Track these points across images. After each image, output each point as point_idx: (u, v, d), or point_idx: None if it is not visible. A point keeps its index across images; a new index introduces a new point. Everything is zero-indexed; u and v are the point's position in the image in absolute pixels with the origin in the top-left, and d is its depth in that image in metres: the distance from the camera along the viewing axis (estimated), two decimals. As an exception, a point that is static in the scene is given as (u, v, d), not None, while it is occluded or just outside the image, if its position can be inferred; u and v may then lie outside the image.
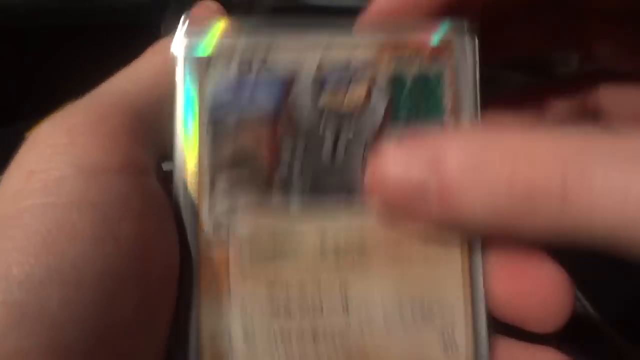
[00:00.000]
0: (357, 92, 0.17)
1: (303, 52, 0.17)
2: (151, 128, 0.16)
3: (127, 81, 0.17)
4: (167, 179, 0.17)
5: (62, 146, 0.14)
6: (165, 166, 0.17)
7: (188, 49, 0.17)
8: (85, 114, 0.15)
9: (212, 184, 0.16)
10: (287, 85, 0.17)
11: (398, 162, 0.15)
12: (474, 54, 0.17)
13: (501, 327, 0.18)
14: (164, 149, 0.17)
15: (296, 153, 0.17)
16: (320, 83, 0.17)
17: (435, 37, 0.17)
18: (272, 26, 0.17)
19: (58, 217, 0.14)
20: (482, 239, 0.17)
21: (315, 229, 0.17)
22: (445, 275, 0.17)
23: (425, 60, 0.17)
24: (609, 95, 0.20)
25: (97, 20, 0.51)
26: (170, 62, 0.17)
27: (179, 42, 0.17)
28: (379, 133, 0.17)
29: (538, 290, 0.17)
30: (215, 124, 0.17)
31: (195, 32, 0.17)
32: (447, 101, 0.17)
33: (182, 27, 0.17)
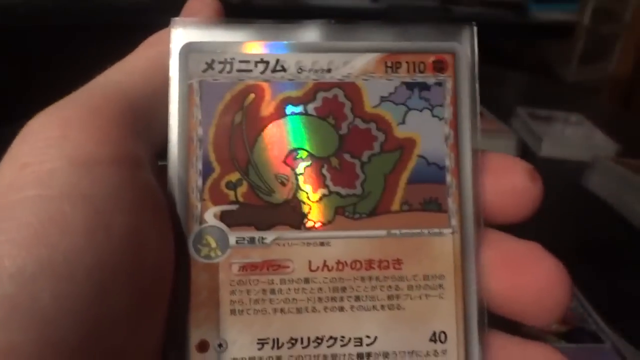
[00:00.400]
0: None
1: None
2: (145, 120, 0.16)
3: (121, 73, 0.17)
4: (161, 172, 0.17)
5: (54, 139, 0.14)
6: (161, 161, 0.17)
7: (183, 41, 0.17)
8: (78, 106, 0.15)
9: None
10: None
11: None
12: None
13: (495, 321, 0.17)
14: (159, 142, 0.17)
15: None
16: None
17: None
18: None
19: (50, 210, 0.13)
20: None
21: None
22: None
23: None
24: None
25: (98, 20, 0.51)
26: (165, 55, 0.17)
27: (174, 35, 0.17)
28: None
29: (535, 283, 0.17)
30: None
31: (190, 25, 0.17)
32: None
33: (177, 20, 0.17)
